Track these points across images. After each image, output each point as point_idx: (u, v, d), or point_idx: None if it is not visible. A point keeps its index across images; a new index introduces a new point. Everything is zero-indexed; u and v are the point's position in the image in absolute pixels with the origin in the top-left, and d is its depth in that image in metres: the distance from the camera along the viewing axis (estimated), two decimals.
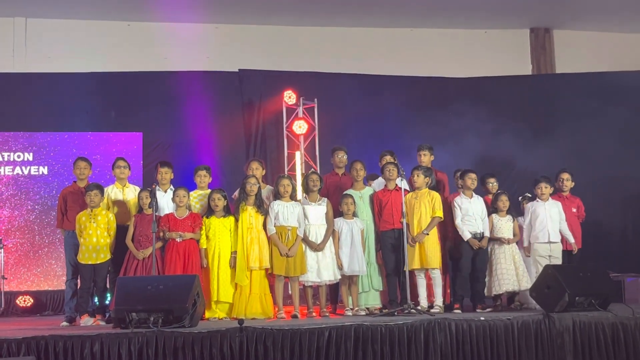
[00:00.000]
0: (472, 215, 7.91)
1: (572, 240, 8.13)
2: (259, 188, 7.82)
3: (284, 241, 7.57)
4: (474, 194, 8.07)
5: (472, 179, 8.05)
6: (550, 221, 8.05)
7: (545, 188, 8.16)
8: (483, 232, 7.90)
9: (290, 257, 7.53)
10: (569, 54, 12.76)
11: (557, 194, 8.48)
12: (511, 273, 7.88)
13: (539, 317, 6.46)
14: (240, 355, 5.83)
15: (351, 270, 7.74)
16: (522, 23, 12.70)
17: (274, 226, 7.61)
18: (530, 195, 8.45)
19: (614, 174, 11.17)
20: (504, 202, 8.11)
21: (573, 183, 8.56)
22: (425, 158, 8.47)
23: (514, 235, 8.08)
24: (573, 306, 6.74)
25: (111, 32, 11.80)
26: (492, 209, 8.16)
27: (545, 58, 12.72)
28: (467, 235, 7.87)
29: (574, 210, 8.47)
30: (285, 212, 7.64)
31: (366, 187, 8.28)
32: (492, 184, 8.52)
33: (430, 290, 7.84)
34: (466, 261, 7.89)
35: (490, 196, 8.35)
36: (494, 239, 8.04)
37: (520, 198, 8.63)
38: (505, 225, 8.06)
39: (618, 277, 9.01)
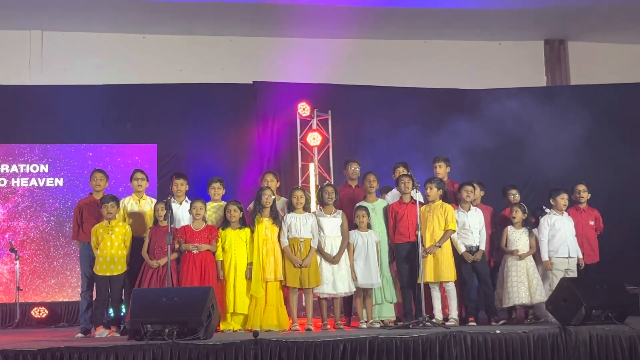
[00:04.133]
0: (468, 228, 7.87)
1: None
2: (274, 200, 7.83)
3: (296, 253, 7.57)
4: (471, 206, 8.02)
5: (467, 192, 7.99)
6: (570, 235, 8.03)
7: (567, 199, 8.14)
8: (478, 246, 7.86)
9: (304, 267, 7.52)
10: (584, 65, 12.73)
11: (574, 206, 8.43)
12: (522, 287, 7.81)
13: (555, 330, 6.42)
14: None
15: (366, 282, 7.72)
16: (537, 35, 12.69)
17: (287, 238, 7.62)
18: (549, 210, 8.32)
19: (630, 185, 11.11)
20: (516, 213, 8.05)
21: (589, 195, 8.50)
22: (442, 170, 8.45)
23: (530, 247, 8.02)
24: (590, 319, 6.70)
25: (126, 45, 11.89)
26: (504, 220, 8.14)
27: (560, 70, 12.70)
28: (461, 249, 7.84)
29: (592, 222, 8.41)
30: (297, 223, 7.64)
31: (379, 200, 8.26)
32: (514, 195, 8.47)
33: (445, 303, 7.81)
34: (467, 274, 7.87)
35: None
36: (508, 252, 7.99)
37: (539, 214, 8.45)
38: (520, 238, 8.00)
39: (635, 289, 8.93)
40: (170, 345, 5.80)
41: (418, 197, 7.68)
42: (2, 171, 10.76)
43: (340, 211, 7.91)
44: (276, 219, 7.75)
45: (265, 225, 7.69)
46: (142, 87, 11.44)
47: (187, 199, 8.14)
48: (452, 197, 8.35)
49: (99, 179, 8.13)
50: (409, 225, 7.76)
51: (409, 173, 8.04)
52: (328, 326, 7.65)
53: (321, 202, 7.94)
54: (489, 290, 7.91)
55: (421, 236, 7.53)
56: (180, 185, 8.15)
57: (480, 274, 7.91)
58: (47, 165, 10.85)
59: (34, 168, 10.82)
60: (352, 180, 8.64)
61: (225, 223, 7.74)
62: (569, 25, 12.30)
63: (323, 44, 12.22)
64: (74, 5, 10.89)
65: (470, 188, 7.99)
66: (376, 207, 8.11)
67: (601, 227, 8.51)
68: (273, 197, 7.82)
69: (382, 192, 8.69)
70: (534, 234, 8.08)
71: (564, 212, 8.18)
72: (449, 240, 7.76)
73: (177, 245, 7.57)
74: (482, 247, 7.88)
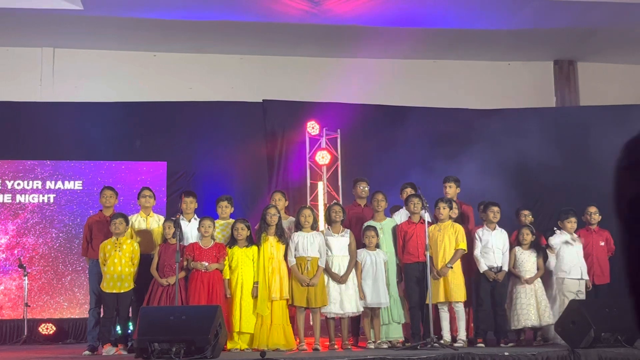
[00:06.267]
0: (491, 247, 7.86)
1: None
2: (280, 218, 7.83)
3: (304, 272, 7.55)
4: (497, 226, 8.01)
5: (493, 212, 8.00)
6: (581, 257, 8.01)
7: (575, 222, 8.13)
8: (501, 266, 7.84)
9: (311, 286, 7.50)
10: (594, 86, 12.71)
11: (585, 227, 8.41)
12: (531, 309, 7.79)
13: (564, 352, 6.40)
14: None
15: (374, 302, 7.70)
16: (546, 55, 12.68)
17: (294, 257, 7.61)
18: (559, 232, 8.29)
19: None
20: (525, 235, 8.03)
21: (600, 217, 8.48)
22: (451, 190, 8.44)
23: (538, 268, 8.00)
24: (599, 342, 6.66)
25: (137, 63, 11.94)
26: (515, 242, 8.11)
27: (570, 90, 12.68)
28: (483, 267, 7.83)
29: (602, 243, 8.39)
30: (305, 242, 7.63)
31: (387, 219, 8.25)
32: (527, 217, 8.46)
33: (454, 324, 7.77)
34: (485, 294, 7.84)
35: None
36: (516, 275, 7.96)
37: (550, 235, 8.42)
38: (527, 260, 7.98)
39: None
40: None
41: (426, 217, 7.67)
42: (12, 187, 10.79)
43: (348, 230, 7.90)
44: (282, 237, 7.75)
45: (270, 244, 7.69)
46: (152, 105, 11.49)
47: (195, 216, 8.16)
48: (460, 218, 8.33)
49: (109, 196, 8.17)
50: (418, 245, 7.75)
51: (418, 193, 8.04)
52: (335, 346, 7.61)
53: (329, 221, 7.95)
54: (502, 311, 7.88)
55: (430, 256, 7.52)
56: (190, 203, 8.18)
57: (498, 295, 7.87)
58: (57, 182, 10.88)
59: (44, 184, 10.85)
60: (360, 199, 8.65)
61: (232, 241, 7.75)
62: (579, 46, 12.29)
63: (332, 63, 12.27)
64: (86, 23, 10.95)
65: (496, 209, 8.01)
66: (384, 226, 8.10)
67: (613, 248, 8.49)
68: (278, 215, 7.82)
69: (390, 211, 8.68)
70: (541, 255, 8.06)
71: (574, 234, 8.16)
72: (459, 261, 7.74)
73: (185, 263, 7.57)
74: (505, 268, 7.86)
